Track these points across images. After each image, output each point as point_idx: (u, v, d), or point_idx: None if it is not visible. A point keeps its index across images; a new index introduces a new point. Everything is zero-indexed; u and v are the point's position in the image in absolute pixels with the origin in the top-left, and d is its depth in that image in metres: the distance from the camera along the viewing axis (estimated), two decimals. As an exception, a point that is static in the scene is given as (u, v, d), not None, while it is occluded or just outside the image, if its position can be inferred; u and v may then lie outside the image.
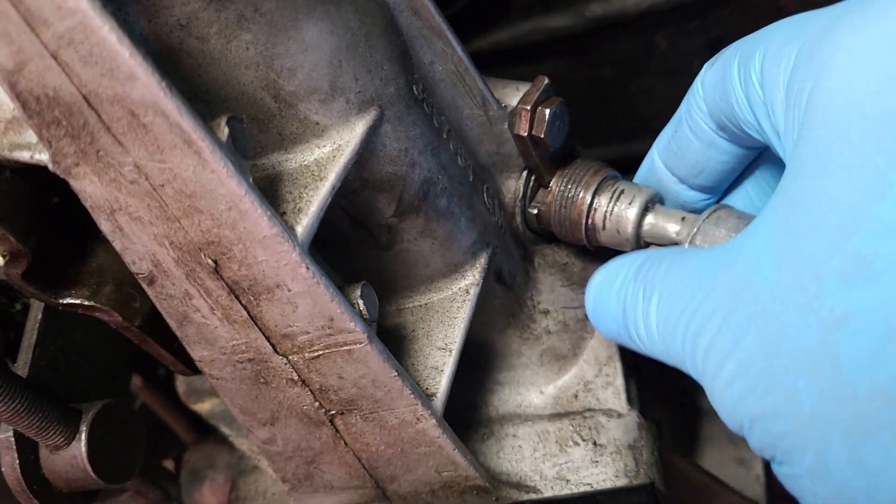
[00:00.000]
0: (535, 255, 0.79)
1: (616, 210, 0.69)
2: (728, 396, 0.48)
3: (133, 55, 0.44)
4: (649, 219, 0.68)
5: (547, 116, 0.70)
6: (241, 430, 0.81)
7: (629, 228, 0.68)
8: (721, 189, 0.66)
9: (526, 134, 0.71)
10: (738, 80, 0.53)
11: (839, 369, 0.42)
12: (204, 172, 0.49)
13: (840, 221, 0.42)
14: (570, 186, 0.74)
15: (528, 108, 0.70)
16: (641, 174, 0.69)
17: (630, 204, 0.68)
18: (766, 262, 0.46)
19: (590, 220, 0.70)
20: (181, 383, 0.84)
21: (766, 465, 1.01)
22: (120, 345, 0.75)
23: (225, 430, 0.82)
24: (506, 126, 0.71)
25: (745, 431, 0.48)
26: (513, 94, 0.71)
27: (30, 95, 0.47)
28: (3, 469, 0.64)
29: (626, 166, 0.81)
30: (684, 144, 0.62)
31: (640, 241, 0.68)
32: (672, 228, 0.66)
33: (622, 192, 0.69)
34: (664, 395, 0.90)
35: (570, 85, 1.26)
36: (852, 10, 0.45)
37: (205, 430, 1.15)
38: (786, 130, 0.48)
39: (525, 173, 0.74)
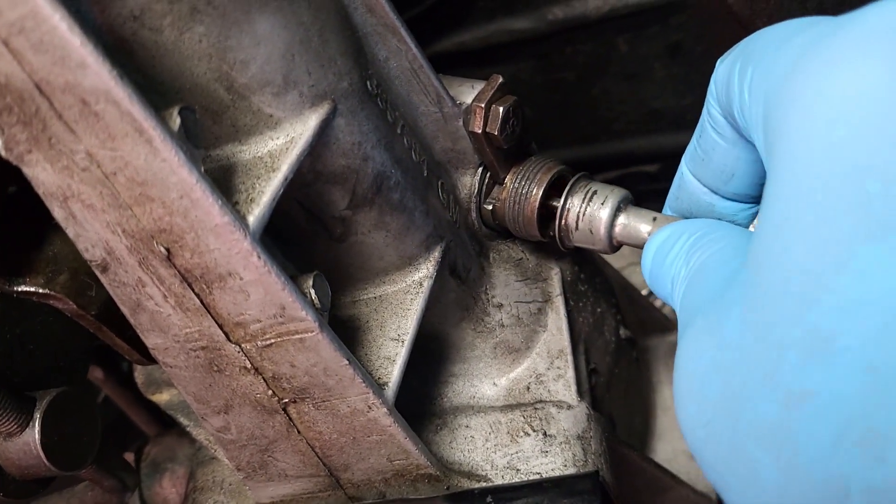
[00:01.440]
0: (489, 251, 0.80)
1: (589, 211, 0.69)
2: (692, 439, 0.46)
3: (84, 43, 0.45)
4: (621, 219, 0.68)
5: (501, 114, 0.72)
6: (200, 421, 0.82)
7: (602, 229, 0.69)
8: (760, 196, 0.59)
9: (480, 131, 0.72)
10: (737, 90, 0.49)
11: (797, 452, 0.39)
12: (155, 161, 0.50)
13: (802, 289, 0.39)
14: (523, 183, 0.75)
15: (483, 105, 0.72)
16: (672, 192, 0.64)
17: (603, 204, 0.69)
18: (734, 313, 0.43)
19: (563, 221, 0.71)
20: (140, 374, 0.85)
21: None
22: (78, 335, 0.76)
23: (183, 420, 0.82)
24: (461, 123, 0.72)
25: (707, 478, 0.46)
26: (468, 92, 0.73)
27: (-18, 82, 0.48)
28: (-44, 455, 0.65)
29: (588, 167, 0.83)
30: (709, 147, 0.56)
31: (613, 242, 0.69)
32: (644, 229, 0.66)
33: (595, 192, 0.70)
34: (617, 390, 0.91)
35: (533, 87, 1.28)
36: (827, 38, 0.40)
37: (166, 423, 1.16)
38: (765, 160, 0.45)
39: (480, 170, 0.76)
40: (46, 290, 0.63)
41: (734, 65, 0.50)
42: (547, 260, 0.84)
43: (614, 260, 1.05)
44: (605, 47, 1.19)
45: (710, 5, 1.04)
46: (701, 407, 0.44)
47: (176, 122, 0.51)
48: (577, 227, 0.70)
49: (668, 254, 0.56)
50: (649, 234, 0.64)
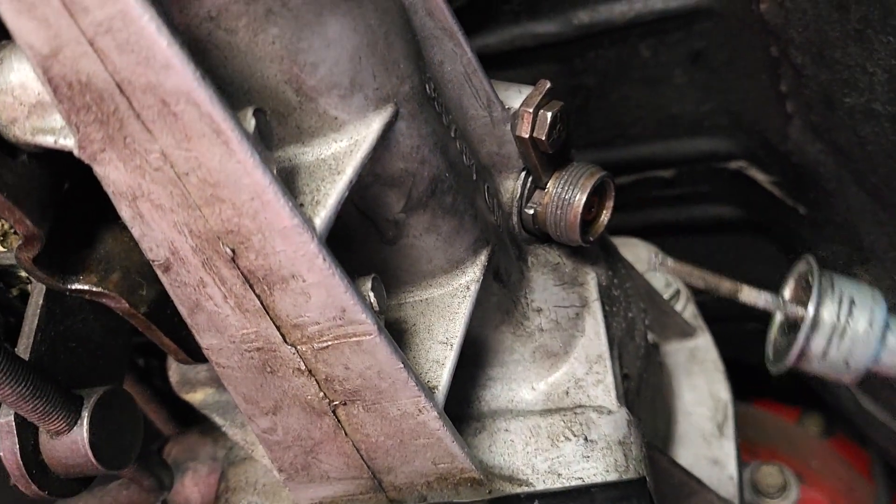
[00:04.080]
0: (528, 255, 0.81)
1: (850, 332, 0.53)
2: None
3: (171, 44, 0.45)
4: (893, 342, 0.54)
5: (548, 119, 0.72)
6: (235, 421, 0.82)
7: (863, 358, 0.54)
8: None
9: (527, 136, 0.73)
10: None
11: None
12: (230, 162, 0.50)
13: None
14: (567, 188, 0.76)
15: (531, 110, 0.72)
16: None
17: (871, 326, 0.53)
18: None
19: (807, 348, 0.56)
20: (174, 373, 0.84)
21: (739, 466, 1.04)
22: (118, 335, 0.76)
23: (218, 420, 0.82)
24: (508, 127, 0.73)
25: None
26: (515, 97, 0.73)
27: (62, 80, 0.47)
28: (2, 453, 0.64)
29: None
30: None
31: (873, 372, 0.56)
32: None
33: (852, 302, 0.54)
34: (645, 395, 0.92)
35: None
36: None
37: (185, 422, 1.15)
38: None
39: (523, 174, 0.76)
40: (100, 289, 0.63)
41: None
42: (582, 265, 0.84)
43: (638, 265, 1.06)
44: (628, 53, 1.20)
45: (738, 13, 1.05)
46: None
47: (251, 123, 0.51)
48: (824, 356, 0.54)
49: None
50: None
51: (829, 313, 0.52)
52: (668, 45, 1.18)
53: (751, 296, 0.57)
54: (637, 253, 1.18)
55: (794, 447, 1.63)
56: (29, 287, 0.73)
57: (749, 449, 1.54)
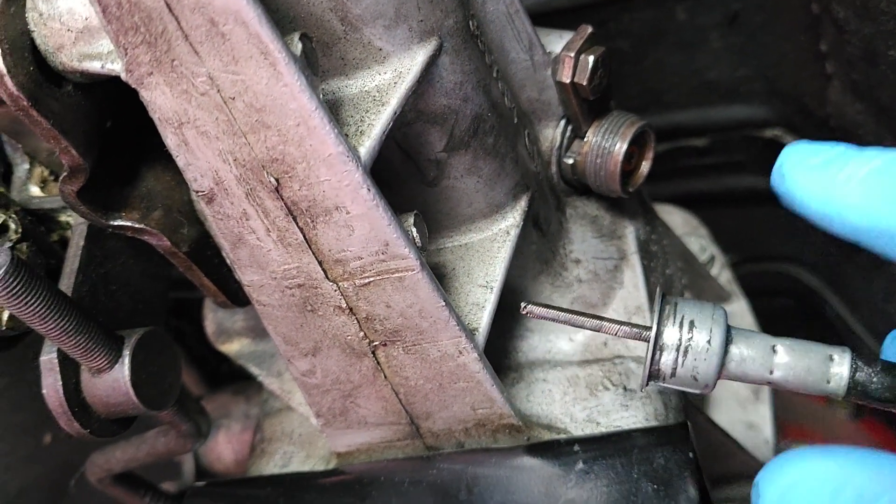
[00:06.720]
0: (566, 207, 0.80)
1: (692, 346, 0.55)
2: None
3: (220, -41, 0.45)
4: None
5: (590, 64, 0.71)
6: (271, 370, 0.82)
7: None
8: None
9: (568, 81, 0.72)
10: None
11: None
12: (277, 85, 0.50)
13: None
14: (607, 137, 0.75)
15: (572, 55, 0.71)
16: None
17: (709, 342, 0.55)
18: None
19: None
20: (210, 323, 0.84)
21: (776, 430, 1.03)
22: (158, 281, 0.76)
23: (254, 369, 0.82)
24: (549, 72, 0.72)
25: None
26: (556, 42, 0.73)
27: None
28: (44, 390, 0.65)
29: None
30: None
31: None
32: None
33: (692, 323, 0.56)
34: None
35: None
36: None
37: (218, 384, 1.16)
38: None
39: (563, 122, 0.76)
40: (142, 226, 0.63)
41: None
42: (620, 218, 0.83)
43: (675, 227, 1.05)
44: (664, 15, 1.19)
45: (778, -28, 1.03)
46: None
47: (298, 47, 0.50)
48: (673, 374, 0.56)
49: None
50: None
51: (670, 336, 0.56)
52: (705, 6, 1.16)
53: (612, 329, 0.59)
54: (672, 220, 1.17)
55: (824, 427, 1.61)
56: (68, 233, 0.73)
57: (777, 427, 1.53)
